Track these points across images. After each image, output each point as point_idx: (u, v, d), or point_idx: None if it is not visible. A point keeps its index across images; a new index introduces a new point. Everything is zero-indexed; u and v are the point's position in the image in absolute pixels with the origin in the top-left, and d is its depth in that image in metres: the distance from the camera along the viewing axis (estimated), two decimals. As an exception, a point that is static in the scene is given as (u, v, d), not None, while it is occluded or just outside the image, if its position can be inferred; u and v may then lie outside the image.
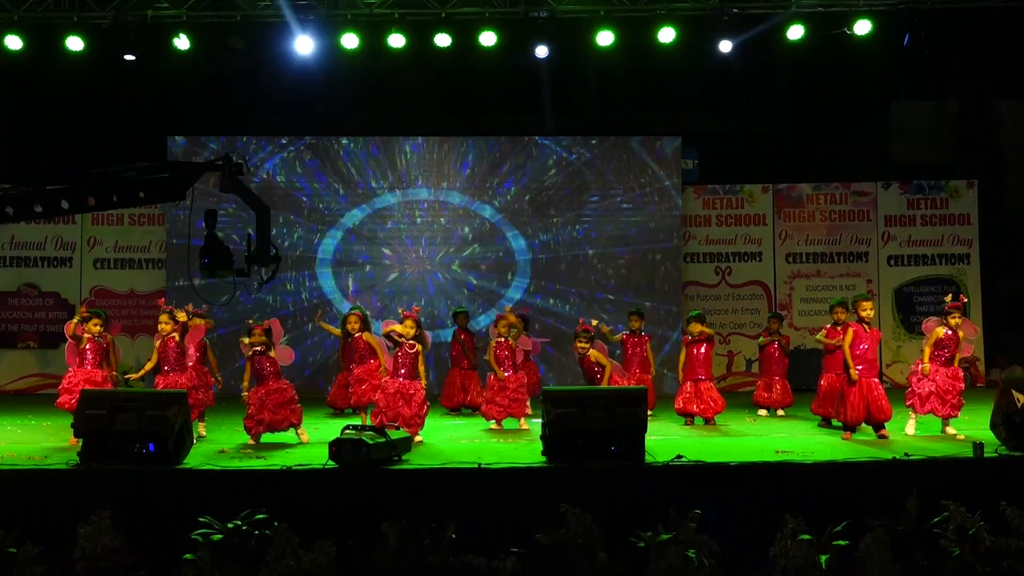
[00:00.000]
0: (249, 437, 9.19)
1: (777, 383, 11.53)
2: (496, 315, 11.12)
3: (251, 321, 9.77)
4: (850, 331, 9.39)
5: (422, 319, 9.78)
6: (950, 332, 9.61)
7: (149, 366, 9.80)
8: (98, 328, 9.65)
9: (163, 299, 10.83)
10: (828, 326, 10.63)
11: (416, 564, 6.63)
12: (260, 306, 14.08)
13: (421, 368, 9.52)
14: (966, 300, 9.82)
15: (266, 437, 9.26)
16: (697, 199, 15.01)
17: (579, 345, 10.30)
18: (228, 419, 10.33)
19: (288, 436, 9.39)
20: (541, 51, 12.97)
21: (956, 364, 9.65)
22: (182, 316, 9.70)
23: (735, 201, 15.02)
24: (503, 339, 10.57)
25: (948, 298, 9.88)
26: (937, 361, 9.64)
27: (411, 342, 9.35)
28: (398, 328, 9.38)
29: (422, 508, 6.95)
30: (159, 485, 7.37)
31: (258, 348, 9.40)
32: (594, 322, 10.96)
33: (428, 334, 9.90)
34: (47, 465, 7.77)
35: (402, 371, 9.30)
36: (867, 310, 9.44)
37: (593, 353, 10.29)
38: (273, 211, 13.96)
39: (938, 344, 9.64)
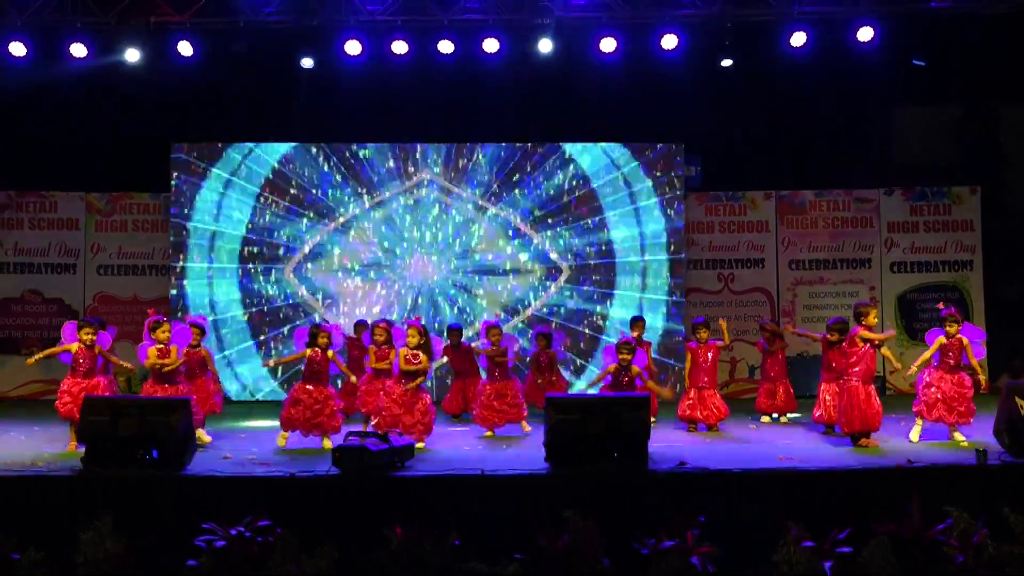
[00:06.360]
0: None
1: (780, 389, 11.52)
2: (483, 325, 11.15)
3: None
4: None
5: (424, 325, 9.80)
6: (951, 339, 9.62)
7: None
8: (90, 338, 9.57)
9: (153, 310, 10.71)
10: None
11: (418, 570, 6.63)
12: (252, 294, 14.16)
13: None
14: (953, 305, 9.89)
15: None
16: (700, 206, 14.99)
17: (623, 357, 9.75)
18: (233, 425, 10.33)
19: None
20: (545, 45, 13.00)
21: (978, 369, 9.68)
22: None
23: (738, 208, 15.00)
24: (494, 347, 10.65)
25: (940, 305, 9.95)
26: (943, 368, 9.64)
27: (414, 351, 9.42)
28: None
29: (424, 514, 6.94)
30: (162, 490, 7.38)
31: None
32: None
33: (438, 342, 10.05)
34: (50, 471, 7.77)
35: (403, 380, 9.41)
36: (872, 317, 9.44)
37: (636, 369, 9.83)
38: (279, 203, 14.11)
39: (942, 351, 9.66)
